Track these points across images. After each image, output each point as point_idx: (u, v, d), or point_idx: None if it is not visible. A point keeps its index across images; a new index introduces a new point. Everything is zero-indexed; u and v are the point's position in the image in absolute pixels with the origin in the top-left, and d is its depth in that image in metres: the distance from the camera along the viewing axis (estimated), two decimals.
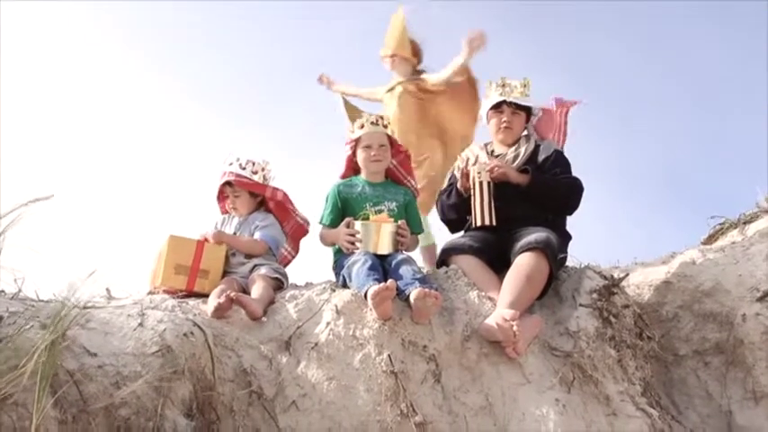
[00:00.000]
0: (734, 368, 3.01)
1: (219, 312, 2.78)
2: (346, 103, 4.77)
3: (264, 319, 2.83)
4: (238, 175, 3.49)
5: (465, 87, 4.47)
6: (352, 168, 3.50)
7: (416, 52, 4.65)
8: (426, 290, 2.69)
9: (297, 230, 3.62)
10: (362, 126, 3.45)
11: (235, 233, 3.46)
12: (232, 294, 2.82)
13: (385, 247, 3.11)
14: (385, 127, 3.47)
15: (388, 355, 2.60)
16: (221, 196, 3.61)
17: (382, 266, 3.03)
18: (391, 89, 4.58)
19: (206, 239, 3.31)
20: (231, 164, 3.53)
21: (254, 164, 3.53)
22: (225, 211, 3.62)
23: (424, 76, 4.57)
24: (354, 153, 3.46)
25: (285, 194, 3.56)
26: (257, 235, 3.40)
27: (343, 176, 3.50)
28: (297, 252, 3.65)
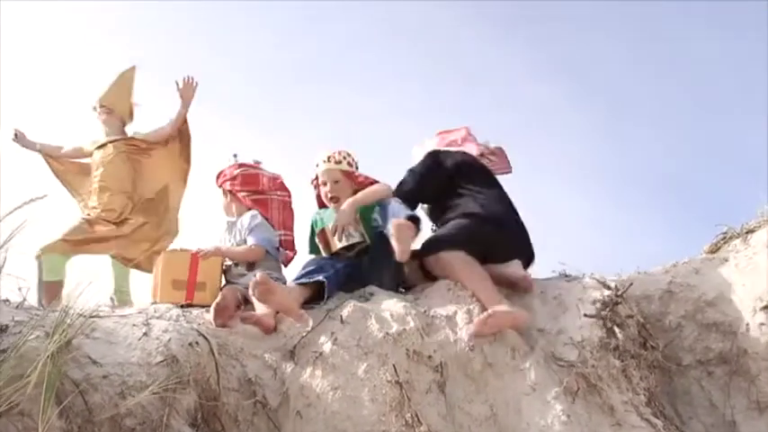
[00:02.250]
0: (738, 378, 3.01)
1: (218, 313, 2.78)
2: (49, 160, 4.57)
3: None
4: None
5: (179, 138, 4.46)
6: (323, 204, 3.59)
7: (131, 114, 4.60)
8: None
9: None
10: (317, 165, 3.54)
11: (229, 241, 3.48)
12: (242, 316, 2.82)
13: (336, 245, 3.22)
14: (338, 163, 3.50)
15: (393, 365, 2.60)
16: None
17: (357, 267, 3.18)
18: (102, 146, 4.44)
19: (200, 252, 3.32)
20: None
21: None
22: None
23: (136, 134, 4.50)
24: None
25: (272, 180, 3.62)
26: (250, 240, 3.40)
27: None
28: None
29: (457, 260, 3.11)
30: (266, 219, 3.57)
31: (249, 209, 3.59)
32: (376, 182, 3.53)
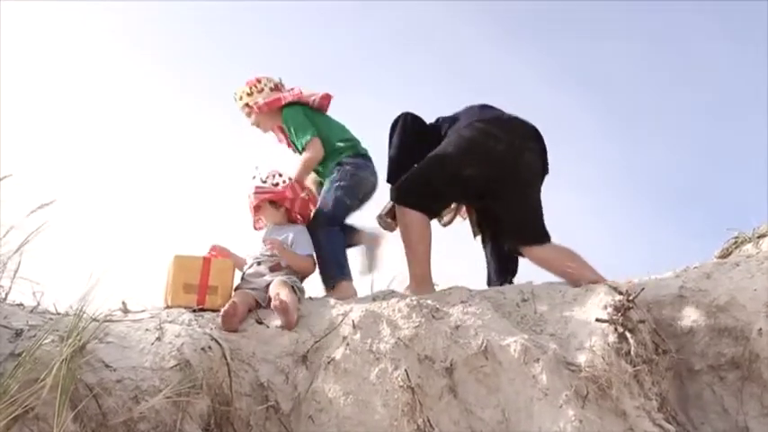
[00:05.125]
0: (750, 383, 3.00)
1: (226, 321, 2.78)
2: None
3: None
4: (258, 188, 3.53)
5: None
6: None
7: None
8: None
9: None
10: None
11: (264, 241, 3.47)
12: (275, 302, 2.85)
13: None
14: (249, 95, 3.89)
15: (405, 370, 2.61)
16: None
17: None
18: None
19: (213, 255, 3.33)
20: (254, 177, 3.56)
21: (275, 176, 3.56)
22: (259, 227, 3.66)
23: None
24: None
25: (303, 201, 3.56)
26: (302, 251, 3.40)
27: None
28: None
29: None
30: None
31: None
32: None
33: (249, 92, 3.84)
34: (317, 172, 3.81)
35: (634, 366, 2.84)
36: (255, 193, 3.53)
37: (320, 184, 3.77)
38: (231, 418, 2.48)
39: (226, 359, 2.53)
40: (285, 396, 2.59)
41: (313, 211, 3.60)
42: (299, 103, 3.81)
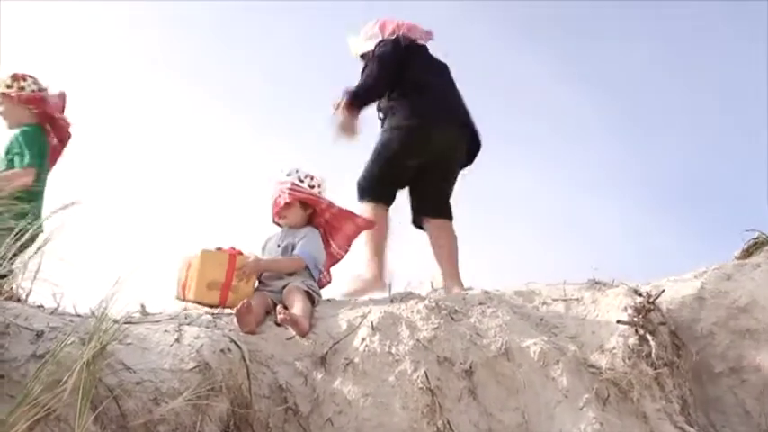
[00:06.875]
0: None
1: (241, 319, 2.77)
2: None
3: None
4: (294, 185, 3.50)
5: None
6: None
7: None
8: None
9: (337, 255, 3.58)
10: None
11: (278, 245, 3.46)
12: (281, 315, 2.80)
13: None
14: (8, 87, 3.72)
15: (425, 372, 2.59)
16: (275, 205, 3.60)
17: None
18: None
19: (240, 252, 3.31)
20: (290, 174, 3.54)
21: (312, 178, 3.53)
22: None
23: None
24: None
25: (340, 211, 3.53)
26: (297, 250, 3.37)
27: None
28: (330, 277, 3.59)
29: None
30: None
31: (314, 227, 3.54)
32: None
33: (9, 84, 3.70)
34: None
35: (655, 369, 2.81)
36: (291, 190, 3.49)
37: None
38: (250, 420, 2.46)
39: (245, 361, 2.52)
40: (304, 398, 2.58)
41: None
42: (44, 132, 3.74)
